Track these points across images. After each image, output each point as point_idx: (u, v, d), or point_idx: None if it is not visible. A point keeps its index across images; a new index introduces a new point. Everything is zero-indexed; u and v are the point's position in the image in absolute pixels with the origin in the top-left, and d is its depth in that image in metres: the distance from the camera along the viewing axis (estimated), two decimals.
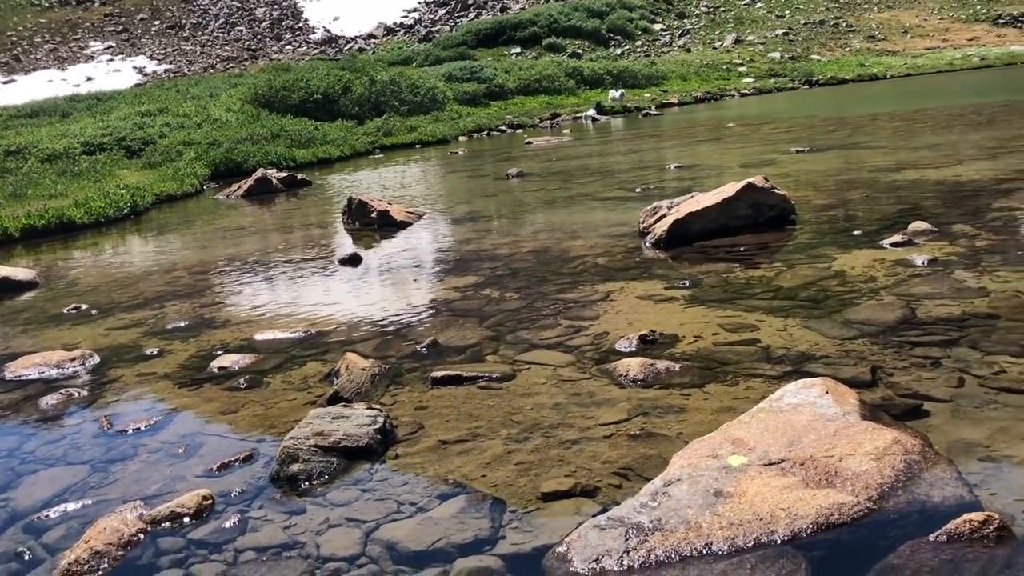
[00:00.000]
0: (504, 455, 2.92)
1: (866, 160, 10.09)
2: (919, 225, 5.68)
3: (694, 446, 2.64)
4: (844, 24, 55.85)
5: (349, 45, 53.88)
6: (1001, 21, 57.35)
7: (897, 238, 5.46)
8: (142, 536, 2.60)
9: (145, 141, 19.61)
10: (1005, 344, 3.43)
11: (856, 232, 5.93)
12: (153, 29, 55.24)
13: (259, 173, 14.22)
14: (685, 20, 54.93)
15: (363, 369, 3.81)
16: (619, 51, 47.43)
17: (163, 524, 2.66)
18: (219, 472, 3.04)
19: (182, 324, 5.33)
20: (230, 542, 2.54)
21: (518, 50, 44.84)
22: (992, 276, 4.44)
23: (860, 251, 5.34)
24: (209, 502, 2.76)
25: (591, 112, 29.08)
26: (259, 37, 55.53)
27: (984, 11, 58.57)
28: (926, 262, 4.84)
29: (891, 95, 26.81)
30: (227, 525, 2.63)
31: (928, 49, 51.67)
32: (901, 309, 4.04)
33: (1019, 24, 56.90)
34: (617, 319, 4.42)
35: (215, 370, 4.27)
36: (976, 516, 2.09)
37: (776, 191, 6.53)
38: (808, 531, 2.15)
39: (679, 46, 50.11)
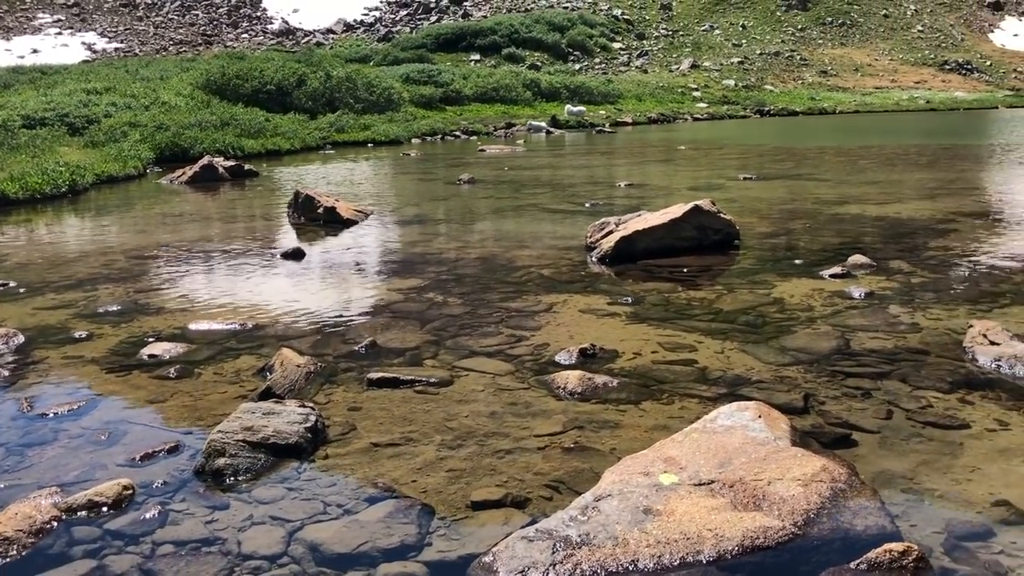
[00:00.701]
0: (436, 461, 2.89)
1: (811, 192, 10.30)
2: (858, 258, 5.80)
3: (626, 462, 2.65)
4: (798, 57, 57.11)
5: (307, 39, 53.35)
6: (947, 67, 59.24)
7: (836, 269, 5.57)
8: (56, 524, 2.51)
9: (89, 119, 19.12)
10: (933, 379, 3.52)
11: (797, 261, 6.03)
12: (105, 6, 53.98)
13: (205, 160, 13.97)
14: (644, 41, 55.60)
15: (298, 366, 3.75)
16: (577, 66, 47.79)
17: (79, 512, 2.57)
18: (142, 462, 2.96)
19: (114, 308, 5.19)
20: (148, 534, 2.46)
21: (477, 57, 44.89)
22: (925, 312, 4.55)
23: (800, 280, 5.44)
24: (129, 492, 2.67)
25: (541, 123, 29.11)
26: (215, 23, 54.65)
27: (932, 56, 60.43)
28: (863, 295, 4.94)
29: (839, 130, 27.46)
30: (146, 516, 2.55)
31: (877, 88, 53.11)
32: (836, 339, 4.11)
33: (964, 72, 58.84)
34: (559, 331, 4.42)
35: (145, 357, 4.16)
36: (896, 546, 2.12)
37: (722, 215, 6.62)
38: (734, 553, 2.16)
39: (637, 66, 50.69)
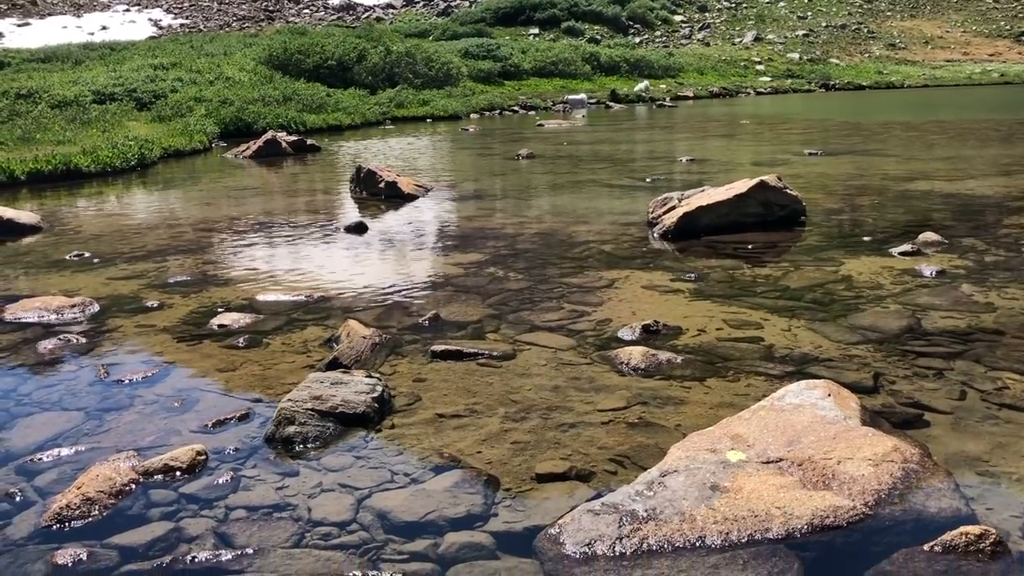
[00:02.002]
0: (500, 433, 2.91)
1: (879, 168, 10.04)
2: (929, 236, 5.65)
3: (693, 439, 2.63)
4: (865, 30, 55.56)
5: (367, 13, 53.57)
6: (1023, 39, 57.01)
7: (906, 247, 5.43)
8: (134, 486, 2.59)
9: (156, 94, 19.51)
10: (1009, 361, 3.42)
11: (865, 238, 5.90)
12: None
13: (269, 135, 14.16)
14: (706, 14, 54.62)
15: (364, 337, 3.79)
16: (638, 40, 47.19)
17: (155, 476, 2.65)
18: (214, 429, 3.03)
19: (184, 279, 5.31)
20: (221, 499, 2.53)
21: (536, 31, 44.59)
22: (1000, 292, 4.42)
23: (868, 257, 5.32)
24: (203, 457, 2.75)
25: (580, 96, 28.57)
26: None
27: (1008, 27, 58.21)
28: (934, 273, 4.82)
29: (908, 104, 26.71)
30: (219, 482, 2.62)
31: (948, 61, 51.44)
32: (907, 318, 4.02)
33: None
34: (621, 307, 4.40)
35: (215, 327, 4.25)
36: (973, 529, 2.08)
37: (788, 191, 6.50)
38: (802, 531, 2.14)
39: (698, 39, 49.85)
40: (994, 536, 2.06)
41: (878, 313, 4.13)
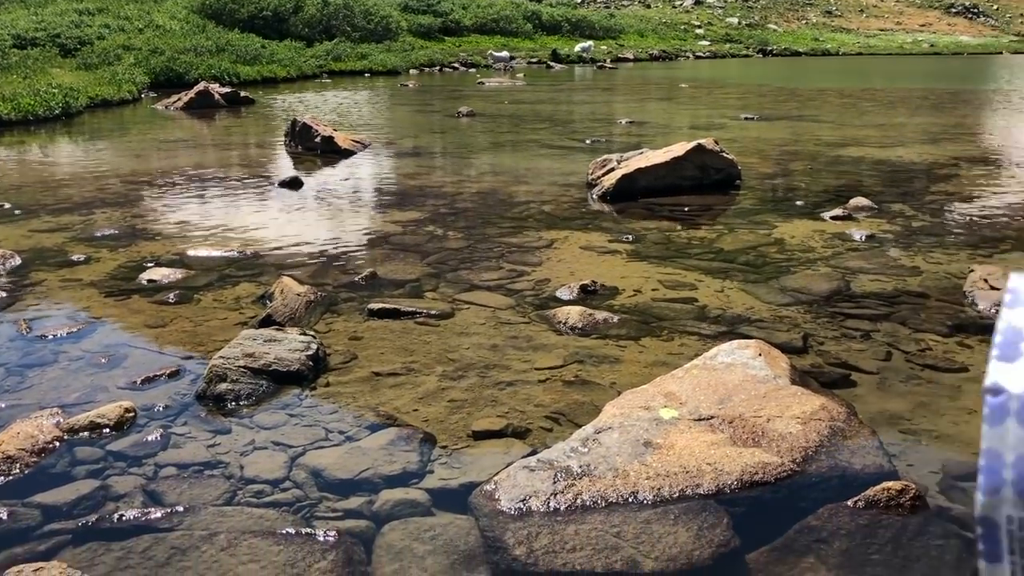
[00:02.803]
0: (437, 391, 2.91)
1: (813, 133, 10.21)
2: (859, 201, 5.78)
3: (627, 396, 2.66)
4: None
5: None
6: (953, 10, 58.34)
7: (837, 212, 5.54)
8: (58, 444, 2.52)
9: (82, 41, 18.77)
10: (932, 323, 3.53)
11: (798, 202, 6.01)
12: None
13: (201, 86, 13.77)
14: None
15: (298, 294, 3.74)
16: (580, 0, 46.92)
17: (81, 433, 2.58)
18: (143, 386, 2.96)
19: (111, 233, 5.15)
20: (151, 456, 2.48)
21: None
22: (925, 256, 4.54)
23: (801, 221, 5.42)
24: (131, 415, 2.68)
25: (503, 54, 28.36)
26: None
27: None
28: (864, 237, 4.93)
29: (842, 72, 27.15)
30: (149, 439, 2.56)
31: (882, 30, 52.38)
32: (836, 281, 4.11)
33: (970, 15, 57.99)
34: (559, 267, 4.41)
35: (144, 282, 4.14)
36: (894, 485, 2.15)
37: (724, 155, 6.57)
38: (732, 487, 2.18)
39: (639, 1, 49.82)
40: (914, 491, 2.14)
41: (809, 275, 4.22)
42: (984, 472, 0.37)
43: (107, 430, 2.60)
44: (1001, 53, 45.72)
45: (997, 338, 0.39)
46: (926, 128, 10.84)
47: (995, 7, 59.86)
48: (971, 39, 51.23)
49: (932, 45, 47.38)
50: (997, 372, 0.38)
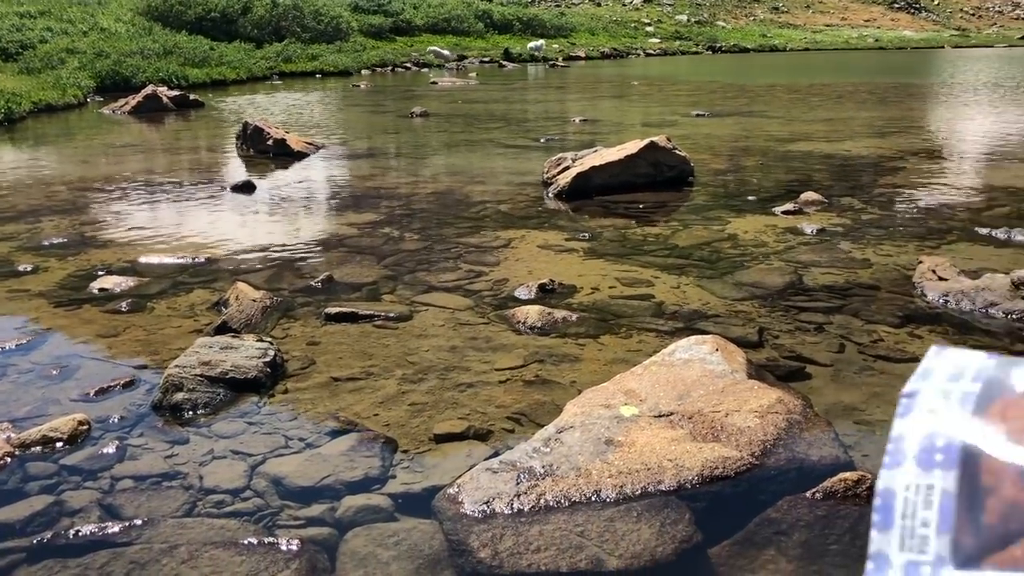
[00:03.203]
0: (397, 395, 2.89)
1: (763, 129, 10.35)
2: (810, 195, 5.87)
3: (587, 395, 2.68)
4: None
5: None
6: (896, 6, 59.51)
7: (788, 206, 5.63)
8: (8, 460, 2.47)
9: (24, 44, 18.32)
10: (884, 314, 3.60)
11: (750, 197, 6.08)
12: None
13: (149, 90, 13.54)
14: None
15: (254, 300, 3.70)
16: None
17: (33, 448, 2.52)
18: (97, 397, 2.91)
19: (59, 241, 5.05)
20: (106, 469, 2.43)
21: None
22: (875, 249, 4.63)
23: (753, 216, 5.49)
24: (85, 427, 2.63)
25: (444, 51, 28.18)
26: None
27: None
28: (815, 231, 5.01)
29: (790, 67, 27.54)
30: (104, 452, 2.52)
31: (828, 26, 53.23)
32: (789, 275, 4.18)
33: (912, 11, 59.18)
34: (517, 266, 4.42)
35: (95, 291, 4.07)
36: (851, 475, 2.19)
37: (677, 152, 6.63)
38: (693, 482, 2.21)
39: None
40: (870, 481, 2.18)
41: (762, 270, 4.27)
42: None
43: (60, 444, 2.54)
44: (943, 47, 46.76)
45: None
46: (872, 122, 11.04)
47: (936, 2, 61.20)
48: (914, 34, 52.32)
49: (877, 40, 48.28)
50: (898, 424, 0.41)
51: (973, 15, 60.94)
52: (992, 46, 48.28)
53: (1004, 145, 8.90)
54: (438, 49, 28.35)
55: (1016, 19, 60.91)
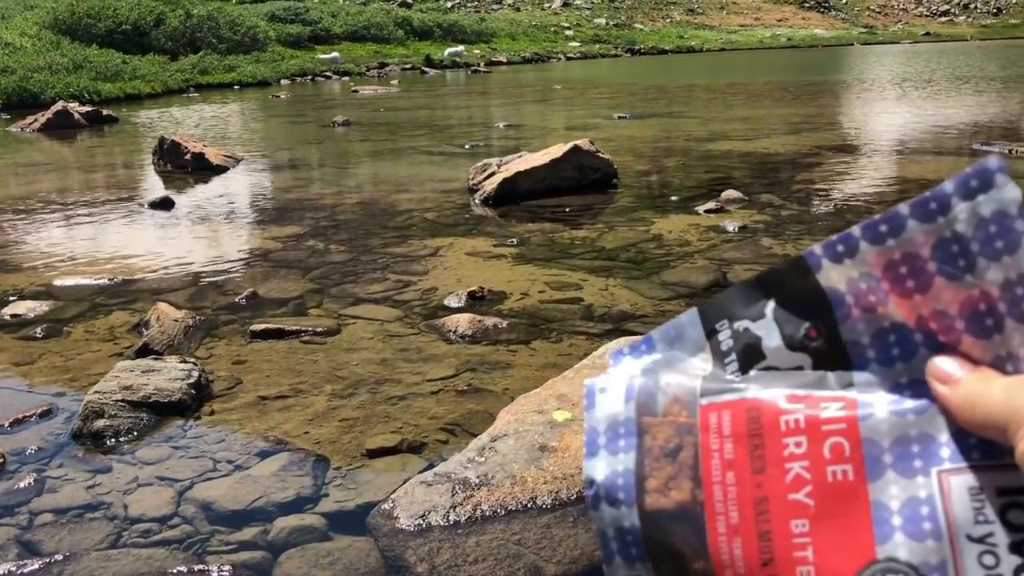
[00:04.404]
0: (328, 411, 2.85)
1: (683, 129, 10.52)
2: (731, 193, 5.98)
3: (520, 401, 2.67)
4: None
5: None
6: (807, 5, 61.23)
7: (710, 205, 5.73)
8: None
9: None
10: None
11: (673, 197, 6.18)
12: None
13: (59, 106, 13.10)
14: None
15: (175, 320, 3.60)
16: (450, 4, 47.03)
17: None
18: (12, 428, 2.79)
19: None
20: (24, 504, 2.33)
21: None
22: (795, 244, 4.75)
23: (676, 216, 5.57)
24: (0, 460, 2.53)
25: (334, 55, 27.99)
26: None
27: None
28: (736, 228, 5.11)
29: (707, 68, 28.09)
30: (21, 485, 2.42)
31: (742, 26, 54.49)
32: (714, 272, 4.25)
33: (822, 10, 60.98)
34: (446, 275, 4.40)
35: (7, 317, 3.91)
36: None
37: (600, 155, 6.69)
38: None
39: (509, 4, 50.31)
40: None
41: (688, 269, 4.34)
42: (601, 548, 0.49)
43: None
44: (852, 44, 48.29)
45: (585, 438, 0.50)
46: (788, 119, 11.32)
47: (844, 1, 63.16)
48: (824, 32, 53.92)
49: (789, 39, 49.62)
50: (587, 468, 0.50)
51: (879, 13, 63.11)
52: (898, 42, 50.10)
53: (914, 139, 9.22)
54: (323, 55, 27.97)
55: (919, 16, 63.32)
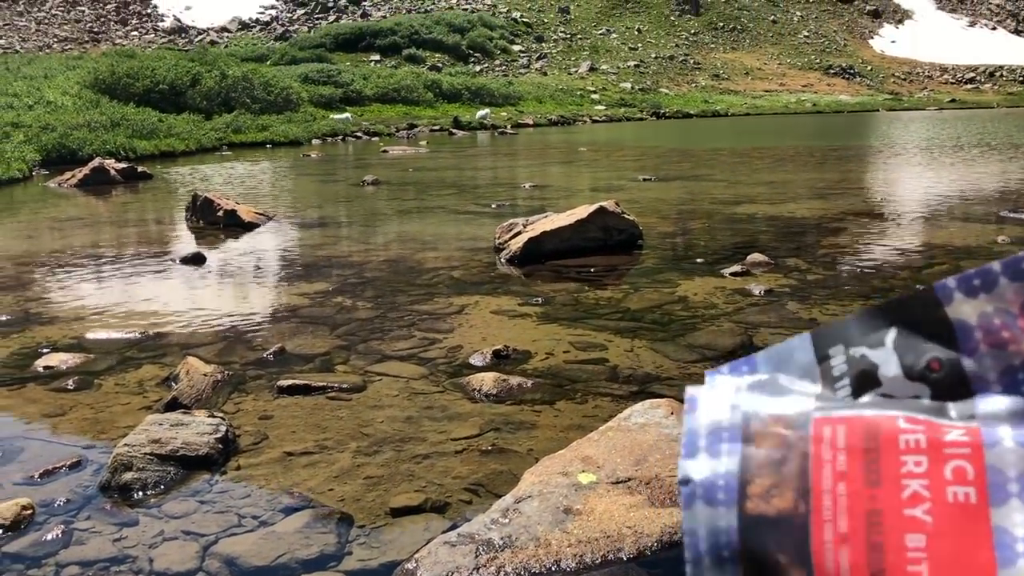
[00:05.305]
0: (352, 469, 2.86)
1: (708, 192, 10.58)
2: (756, 257, 6.00)
3: (545, 463, 2.67)
4: (692, 61, 58.63)
5: (200, 37, 51.91)
6: (832, 71, 61.75)
7: (736, 268, 5.74)
8: None
9: None
10: None
11: (698, 260, 6.19)
12: None
13: (96, 162, 13.42)
14: (543, 44, 56.17)
15: (204, 375, 3.64)
16: (478, 68, 47.93)
17: None
18: (41, 479, 2.83)
19: (3, 319, 4.93)
20: (51, 556, 2.35)
21: (377, 57, 44.54)
22: (821, 308, 4.74)
23: (702, 278, 5.58)
24: (29, 512, 2.55)
25: (346, 115, 28.41)
26: (103, 20, 52.61)
27: (817, 61, 62.86)
28: (762, 292, 5.11)
29: (732, 132, 28.31)
30: (49, 537, 2.44)
31: (767, 91, 54.99)
32: (740, 335, 4.24)
33: (847, 76, 61.45)
34: (471, 333, 4.43)
35: (40, 369, 3.97)
36: None
37: (626, 216, 6.75)
38: (653, 548, 2.21)
39: (536, 69, 51.17)
40: None
41: (713, 332, 4.34)
42: (687, 547, 0.47)
43: (2, 531, 2.46)
44: (878, 110, 48.54)
45: (682, 439, 0.50)
46: (813, 184, 11.37)
47: (869, 68, 63.68)
48: (850, 98, 54.27)
49: (814, 104, 49.97)
50: (683, 467, 0.49)
51: (904, 79, 63.52)
52: (924, 108, 50.29)
53: (941, 205, 9.21)
54: (336, 116, 28.41)
55: (944, 83, 63.64)
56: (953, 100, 56.19)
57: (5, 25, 49.05)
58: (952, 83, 63.83)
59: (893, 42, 70.87)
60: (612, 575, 2.12)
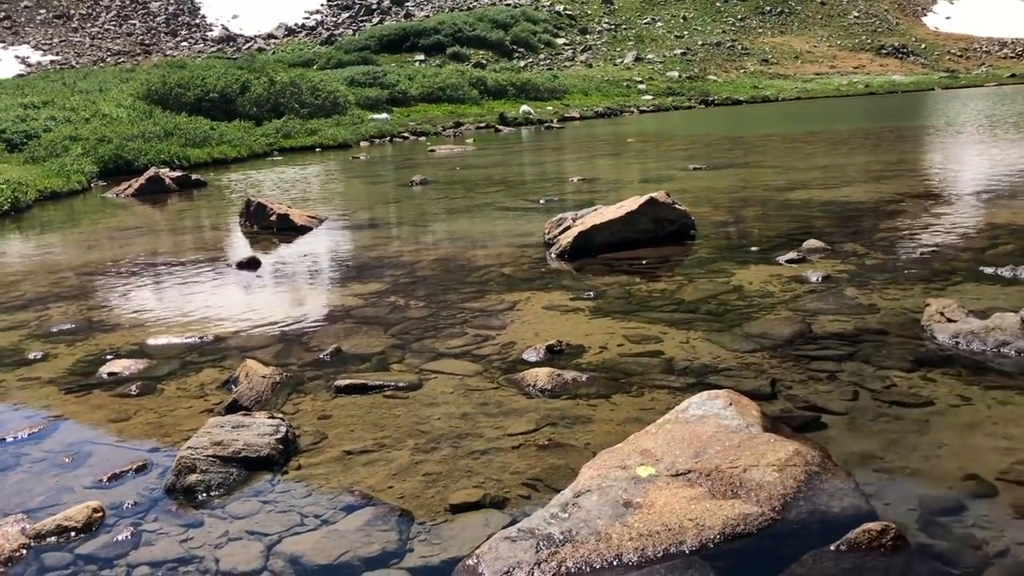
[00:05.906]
0: (411, 466, 2.87)
1: (760, 179, 10.43)
2: (812, 243, 5.89)
3: (603, 457, 2.65)
4: (739, 47, 57.81)
5: (248, 45, 52.68)
6: (884, 51, 60.41)
7: (792, 255, 5.64)
8: (25, 552, 2.45)
9: (28, 134, 18.66)
10: (895, 359, 3.58)
11: (753, 248, 6.10)
12: (39, 18, 52.70)
13: (151, 172, 13.72)
14: (587, 36, 55.86)
15: (263, 376, 3.69)
16: (523, 63, 47.85)
17: (48, 539, 2.50)
18: (110, 483, 2.89)
19: (68, 327, 5.07)
20: (122, 557, 2.41)
21: (422, 57, 44.73)
22: (881, 294, 4.63)
23: (757, 267, 5.50)
24: (99, 515, 2.61)
25: (383, 115, 28.37)
26: (153, 32, 53.71)
27: (869, 41, 61.55)
28: (820, 279, 5.02)
29: (783, 117, 27.86)
30: (119, 539, 2.50)
31: (817, 74, 53.98)
32: (798, 324, 4.17)
33: (900, 55, 60.05)
34: (524, 329, 4.42)
35: (104, 376, 4.07)
36: (874, 526, 2.16)
37: (677, 206, 6.68)
38: (715, 541, 2.18)
39: (581, 61, 50.91)
40: (894, 531, 2.15)
41: (770, 320, 4.27)
42: None
43: (75, 533, 2.53)
44: (933, 89, 47.35)
45: None
46: (868, 167, 11.13)
47: (923, 46, 62.15)
48: (903, 77, 53.04)
49: (867, 85, 48.93)
50: None
51: (961, 56, 61.85)
52: (982, 85, 48.91)
53: (1003, 183, 8.95)
54: (375, 116, 28.57)
55: (1004, 58, 61.82)
56: (1013, 75, 54.51)
57: (61, 41, 50.35)
58: (1012, 57, 61.97)
59: (948, 18, 69.06)
60: (674, 568, 2.09)
